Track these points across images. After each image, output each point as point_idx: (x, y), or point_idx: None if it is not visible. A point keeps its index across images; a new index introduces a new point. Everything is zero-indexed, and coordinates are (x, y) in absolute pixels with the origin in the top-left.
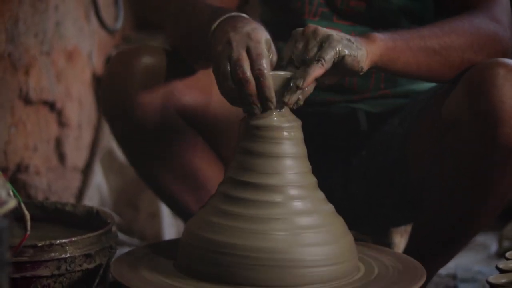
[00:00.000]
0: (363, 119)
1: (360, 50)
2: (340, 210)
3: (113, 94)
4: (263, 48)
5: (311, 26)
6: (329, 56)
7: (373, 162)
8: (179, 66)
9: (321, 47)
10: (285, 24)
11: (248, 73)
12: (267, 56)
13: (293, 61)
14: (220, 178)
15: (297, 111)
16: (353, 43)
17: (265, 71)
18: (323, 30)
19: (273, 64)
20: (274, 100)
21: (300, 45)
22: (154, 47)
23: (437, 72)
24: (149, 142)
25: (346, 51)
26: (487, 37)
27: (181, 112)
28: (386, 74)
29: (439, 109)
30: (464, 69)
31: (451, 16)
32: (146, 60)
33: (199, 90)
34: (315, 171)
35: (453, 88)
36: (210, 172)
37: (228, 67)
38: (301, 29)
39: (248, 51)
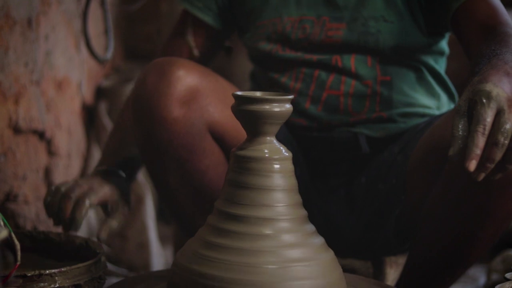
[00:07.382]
0: (364, 143)
1: None
2: (339, 235)
3: (146, 105)
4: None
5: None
6: None
7: (372, 188)
8: (212, 81)
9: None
10: (268, 80)
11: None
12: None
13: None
14: None
15: (301, 136)
16: None
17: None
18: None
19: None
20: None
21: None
22: (190, 61)
23: None
24: (173, 154)
25: None
26: None
27: (211, 128)
28: (381, 97)
29: (441, 138)
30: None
31: (472, 40)
32: (182, 73)
33: (228, 107)
34: (317, 196)
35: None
36: None
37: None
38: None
39: None
